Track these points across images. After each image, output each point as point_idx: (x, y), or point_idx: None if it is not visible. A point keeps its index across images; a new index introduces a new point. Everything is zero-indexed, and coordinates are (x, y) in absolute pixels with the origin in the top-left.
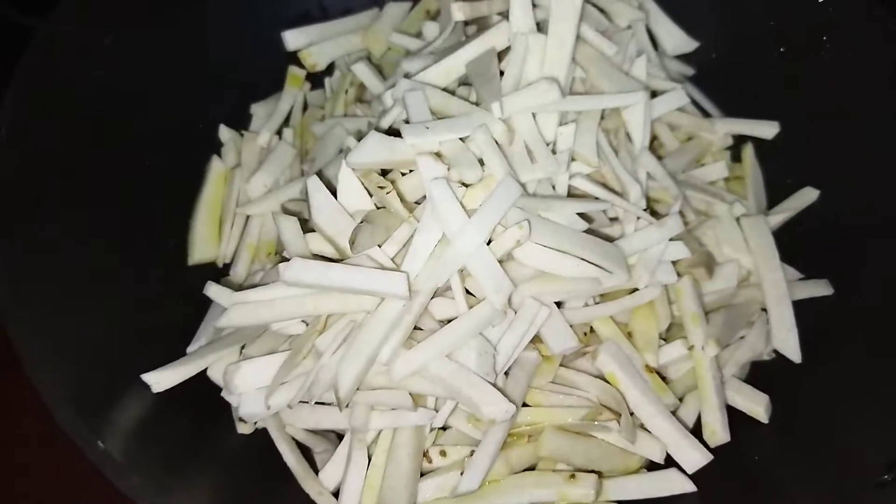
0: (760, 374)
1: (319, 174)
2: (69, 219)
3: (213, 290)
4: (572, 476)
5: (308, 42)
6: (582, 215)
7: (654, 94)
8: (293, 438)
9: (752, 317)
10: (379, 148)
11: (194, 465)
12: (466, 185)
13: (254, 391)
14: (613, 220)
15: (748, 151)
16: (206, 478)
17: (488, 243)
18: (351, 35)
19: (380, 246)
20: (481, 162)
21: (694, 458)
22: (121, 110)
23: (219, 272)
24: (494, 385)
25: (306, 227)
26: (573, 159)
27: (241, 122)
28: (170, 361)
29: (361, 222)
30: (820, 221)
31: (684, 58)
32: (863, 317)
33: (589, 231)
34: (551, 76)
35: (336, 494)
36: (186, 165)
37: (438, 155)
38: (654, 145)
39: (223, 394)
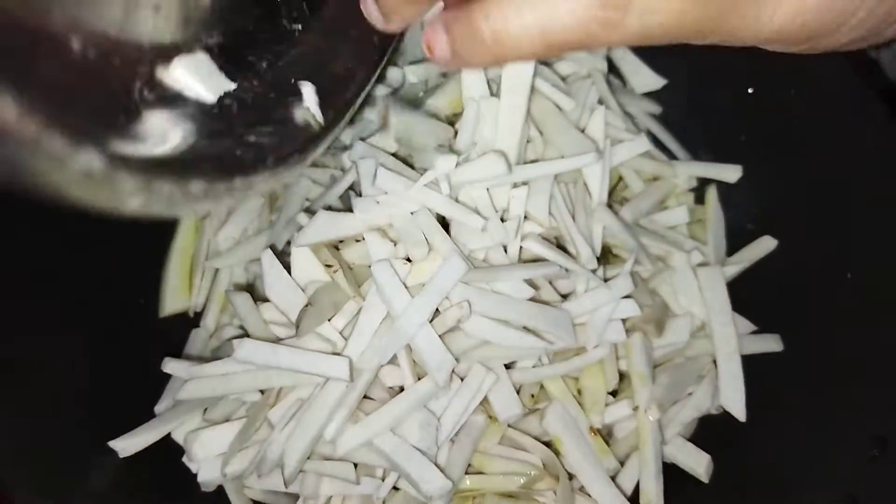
0: (708, 428)
1: (272, 248)
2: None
3: (170, 365)
4: None
5: None
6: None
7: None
8: (251, 500)
9: (702, 370)
10: (328, 225)
11: None
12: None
13: (212, 458)
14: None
15: (711, 195)
16: None
17: (434, 318)
18: None
19: (329, 320)
20: None
21: None
22: None
23: (190, 322)
24: (435, 459)
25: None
26: (526, 217)
27: None
28: (137, 418)
29: (307, 306)
30: (776, 271)
31: (653, 95)
32: (810, 373)
33: (537, 295)
34: (500, 149)
35: None
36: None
37: (385, 232)
38: (619, 186)
39: (184, 459)
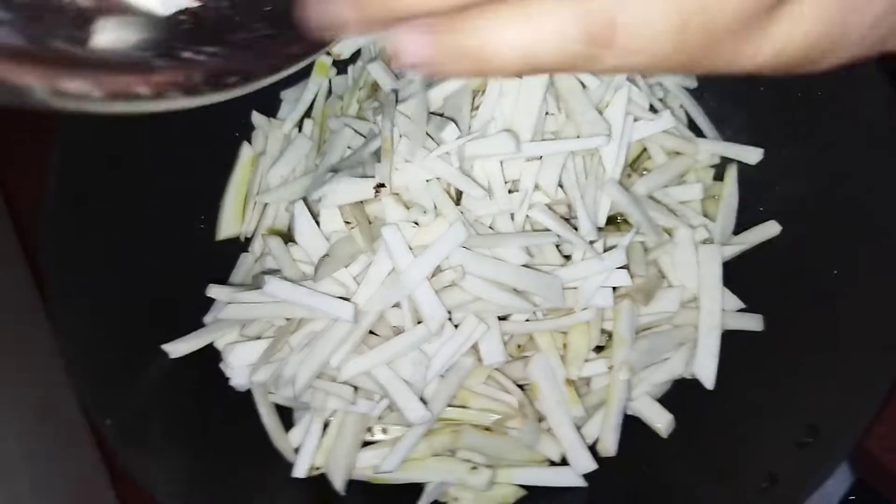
0: (682, 391)
1: (306, 198)
2: (116, 203)
3: (213, 290)
4: (474, 468)
5: None
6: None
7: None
8: (275, 404)
9: (684, 339)
10: (350, 190)
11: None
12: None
13: (244, 367)
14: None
15: (730, 174)
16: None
17: (435, 275)
18: None
19: (347, 267)
20: None
21: (582, 464)
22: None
23: (241, 246)
24: (422, 392)
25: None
26: (537, 188)
27: (276, 107)
28: (190, 326)
29: (325, 256)
30: (777, 256)
31: None
32: (777, 356)
33: (540, 258)
34: (515, 126)
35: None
36: (226, 149)
37: (400, 196)
38: (643, 156)
39: (221, 365)
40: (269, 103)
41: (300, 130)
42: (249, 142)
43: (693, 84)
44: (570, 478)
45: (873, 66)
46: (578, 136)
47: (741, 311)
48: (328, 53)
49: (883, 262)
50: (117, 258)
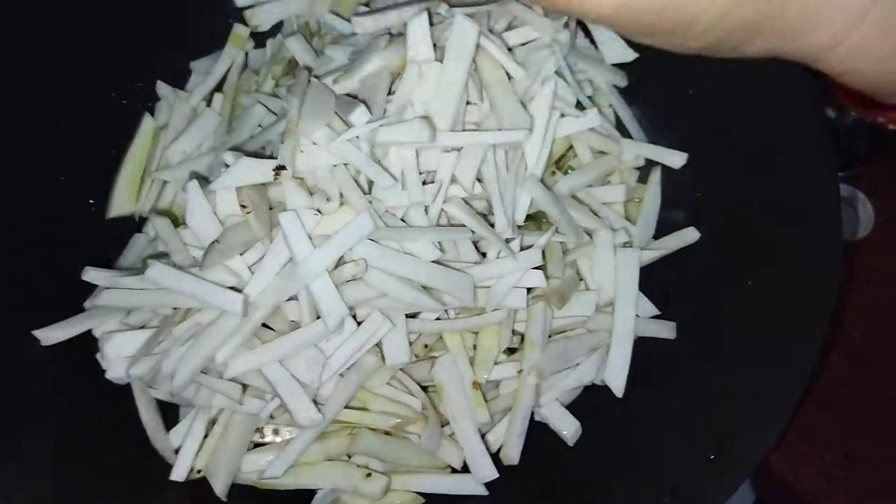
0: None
1: (200, 180)
2: None
3: (90, 274)
4: (369, 475)
5: (255, 0)
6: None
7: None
8: (157, 399)
9: (598, 344)
10: (248, 171)
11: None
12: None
13: (121, 358)
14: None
15: (654, 177)
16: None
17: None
18: None
19: (242, 255)
20: None
21: (484, 472)
22: (57, 58)
23: (135, 226)
24: (316, 393)
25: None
26: (454, 180)
27: (185, 78)
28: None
29: (214, 242)
30: (695, 262)
31: (624, 67)
32: (688, 365)
33: (454, 254)
34: (434, 114)
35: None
36: (126, 119)
37: (304, 181)
38: (570, 153)
39: (97, 356)
40: (176, 73)
41: (209, 105)
42: (152, 113)
43: (623, 83)
44: (470, 486)
45: (801, 71)
46: (500, 129)
47: (655, 317)
48: (245, 24)
49: (798, 276)
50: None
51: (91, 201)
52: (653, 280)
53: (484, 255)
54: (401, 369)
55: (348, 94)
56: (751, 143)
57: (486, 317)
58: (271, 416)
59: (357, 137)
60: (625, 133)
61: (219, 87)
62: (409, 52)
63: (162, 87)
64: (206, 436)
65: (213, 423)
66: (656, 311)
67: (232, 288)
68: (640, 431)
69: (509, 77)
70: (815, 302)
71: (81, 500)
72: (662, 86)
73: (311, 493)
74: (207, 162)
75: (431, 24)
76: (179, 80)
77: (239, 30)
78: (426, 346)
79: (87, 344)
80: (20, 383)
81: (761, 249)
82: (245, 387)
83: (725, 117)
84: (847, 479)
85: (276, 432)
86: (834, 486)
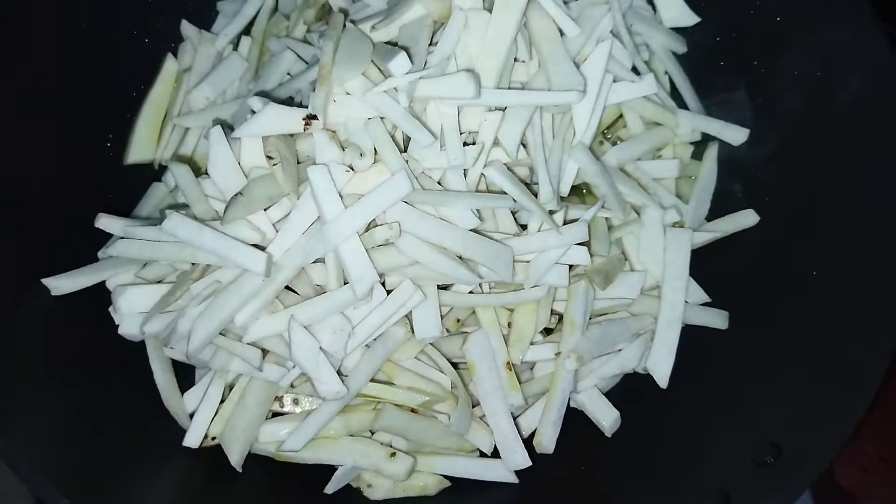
0: (635, 385)
1: (225, 127)
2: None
3: (103, 221)
4: (393, 454)
5: None
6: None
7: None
8: (171, 359)
9: (641, 329)
10: (275, 119)
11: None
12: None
13: (135, 314)
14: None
15: (710, 154)
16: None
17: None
18: None
19: (266, 210)
20: None
21: (516, 459)
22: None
23: (155, 174)
24: (341, 363)
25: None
26: (497, 144)
27: (211, 19)
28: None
29: (238, 194)
30: (750, 247)
31: (682, 32)
32: (743, 360)
33: (490, 223)
34: (479, 68)
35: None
36: (148, 59)
37: (335, 134)
38: (619, 123)
39: (110, 309)
40: (202, 13)
41: (235, 49)
42: (175, 54)
43: (682, 49)
44: (500, 472)
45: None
46: (549, 90)
47: (706, 305)
48: None
49: (872, 266)
50: (3, 172)
51: (108, 145)
52: (705, 264)
53: (523, 226)
54: (431, 344)
55: (387, 42)
56: (820, 124)
57: (524, 293)
58: (291, 385)
59: (395, 89)
60: (680, 103)
61: (247, 31)
62: None
63: (186, 27)
64: (222, 401)
65: (229, 388)
66: (707, 299)
67: (255, 245)
68: (684, 427)
69: (561, 34)
70: (888, 302)
71: (88, 462)
72: (725, 55)
73: (330, 468)
74: (232, 110)
75: None
76: (205, 21)
77: None
78: (458, 320)
79: (100, 296)
80: (28, 335)
81: (828, 240)
82: (265, 352)
83: (793, 95)
84: (881, 483)
85: (295, 402)
86: (869, 489)
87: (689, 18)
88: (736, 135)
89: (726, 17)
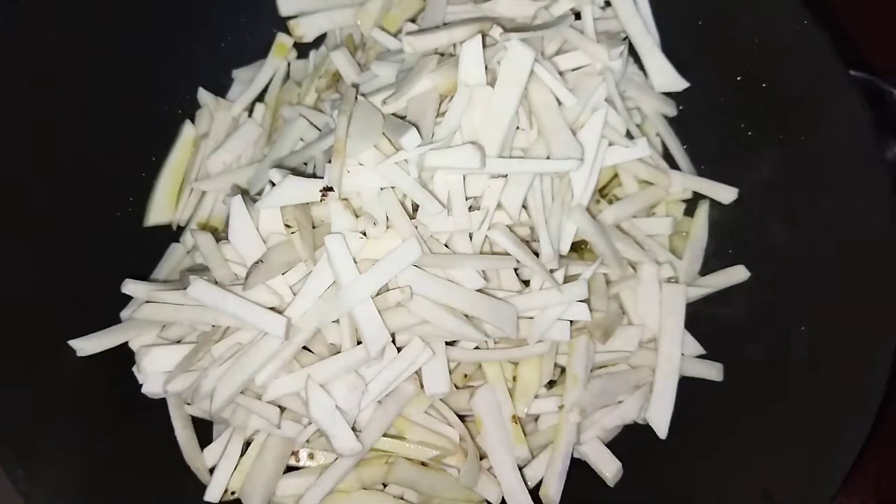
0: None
1: (243, 194)
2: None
3: (129, 286)
4: None
5: (300, 10)
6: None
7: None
8: (192, 416)
9: (640, 381)
10: (294, 190)
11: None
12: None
13: (158, 373)
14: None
15: (702, 211)
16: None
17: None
18: (345, 9)
19: (284, 274)
20: None
21: None
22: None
23: (173, 235)
24: (355, 419)
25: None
26: (500, 207)
27: (226, 86)
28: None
29: (258, 262)
30: (743, 304)
31: (673, 96)
32: (738, 411)
33: (494, 282)
34: (483, 139)
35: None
36: (167, 125)
37: (349, 202)
38: (614, 181)
39: (133, 369)
40: (219, 81)
41: (250, 115)
42: (192, 121)
43: (673, 112)
44: None
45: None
46: (549, 157)
47: (701, 357)
48: (290, 34)
49: (859, 322)
50: (27, 235)
51: (130, 209)
52: (699, 318)
53: (525, 282)
54: (440, 400)
55: (395, 115)
56: (806, 182)
57: (528, 349)
58: (307, 441)
59: (406, 161)
60: (672, 164)
61: (260, 98)
62: (462, 75)
63: (204, 95)
64: (240, 457)
65: (246, 444)
66: (702, 351)
67: (272, 308)
68: (683, 476)
69: (559, 103)
70: (873, 360)
71: None
72: (714, 117)
73: None
74: (248, 174)
75: (484, 46)
76: (222, 88)
77: (283, 39)
78: (465, 375)
79: (122, 354)
80: (54, 394)
81: (815, 295)
82: (282, 409)
83: (782, 155)
84: None
85: (311, 457)
86: None
87: (679, 84)
88: (725, 194)
89: (714, 83)
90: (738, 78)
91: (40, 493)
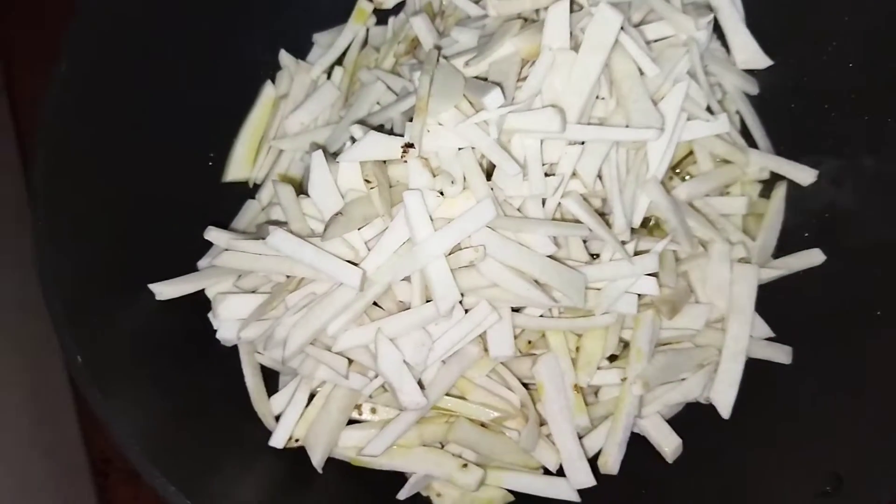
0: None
1: (324, 151)
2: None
3: (212, 233)
4: (465, 465)
5: None
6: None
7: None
8: (261, 364)
9: (705, 360)
10: (375, 146)
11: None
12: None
13: (233, 321)
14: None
15: (779, 193)
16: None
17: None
18: None
19: (360, 229)
20: None
21: (580, 478)
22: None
23: (249, 192)
24: (420, 375)
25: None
26: (575, 175)
27: (306, 49)
28: (183, 267)
29: (338, 213)
30: (818, 286)
31: (755, 73)
32: (804, 393)
33: (564, 250)
34: (563, 104)
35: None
36: (249, 85)
37: (428, 161)
38: (689, 159)
39: (209, 315)
40: (299, 44)
41: (329, 77)
42: (273, 81)
43: (755, 90)
44: (564, 490)
45: None
46: (627, 126)
47: (770, 339)
48: (370, 0)
49: None
50: (115, 181)
51: (210, 164)
52: (770, 300)
53: (593, 255)
54: (502, 363)
55: (477, 77)
56: (891, 167)
57: (594, 319)
58: (370, 396)
59: (486, 122)
60: (751, 143)
61: (339, 61)
62: (546, 38)
63: (285, 57)
64: (305, 406)
65: (312, 395)
66: (771, 333)
67: (349, 262)
68: (744, 458)
69: (641, 73)
70: None
71: (184, 453)
72: (796, 97)
73: (401, 476)
74: (325, 135)
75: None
76: (302, 52)
77: (363, 5)
78: (529, 342)
79: (198, 303)
80: (132, 337)
81: (893, 279)
82: (350, 361)
83: (867, 139)
84: None
85: (373, 411)
86: None
87: (763, 61)
88: (804, 175)
89: (799, 62)
90: (824, 58)
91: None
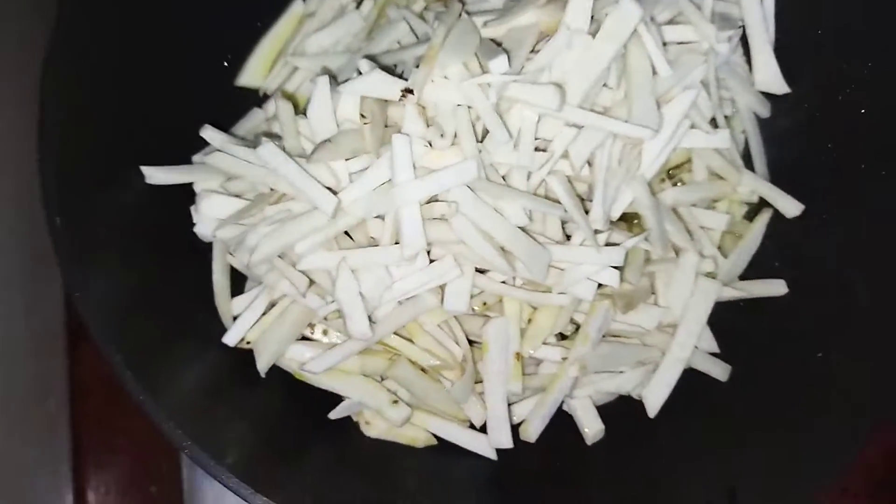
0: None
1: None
2: None
3: (208, 132)
4: (396, 402)
5: None
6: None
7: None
8: (231, 266)
9: (647, 359)
10: (377, 84)
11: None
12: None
13: (213, 218)
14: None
15: (762, 218)
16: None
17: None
18: None
19: (347, 160)
20: None
21: (500, 438)
22: None
23: (257, 100)
24: (373, 310)
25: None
26: (565, 155)
27: None
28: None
29: (328, 140)
30: (770, 317)
31: (770, 97)
32: (726, 411)
33: (538, 226)
34: (567, 84)
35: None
36: None
37: (425, 110)
38: (685, 166)
39: (191, 208)
40: None
41: (358, 7)
42: None
43: (766, 113)
44: (483, 446)
45: None
46: (627, 121)
47: (713, 354)
48: None
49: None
50: (127, 61)
51: (226, 64)
52: (722, 317)
53: (568, 237)
54: (455, 317)
55: (492, 40)
56: (876, 222)
57: (550, 296)
58: (325, 318)
59: (489, 85)
60: (748, 165)
61: None
62: (567, 17)
63: None
64: (263, 313)
65: (271, 305)
66: (716, 349)
67: (328, 188)
68: (659, 456)
69: (654, 72)
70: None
71: (141, 330)
72: (804, 131)
73: (337, 397)
74: (340, 62)
75: None
76: None
77: None
78: (485, 303)
79: (184, 196)
80: (117, 213)
81: (842, 330)
82: (311, 282)
83: (859, 186)
84: None
85: (325, 332)
86: None
87: (781, 87)
88: (791, 207)
89: (815, 97)
90: (840, 97)
91: (91, 299)
